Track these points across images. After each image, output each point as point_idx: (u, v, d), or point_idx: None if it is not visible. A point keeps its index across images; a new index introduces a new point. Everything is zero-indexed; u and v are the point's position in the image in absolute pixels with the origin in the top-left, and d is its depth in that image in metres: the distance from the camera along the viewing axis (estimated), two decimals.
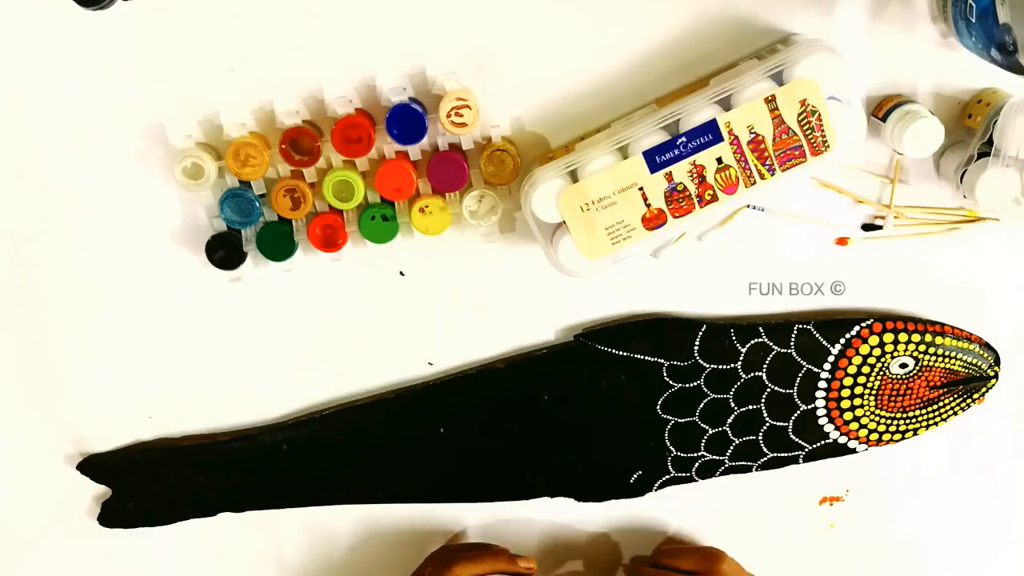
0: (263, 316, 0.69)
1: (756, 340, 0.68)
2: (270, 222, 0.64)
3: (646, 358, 0.68)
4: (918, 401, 0.70)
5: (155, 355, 0.69)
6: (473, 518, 0.74)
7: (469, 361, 0.71)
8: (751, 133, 0.59)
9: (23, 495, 0.73)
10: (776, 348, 0.68)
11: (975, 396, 0.70)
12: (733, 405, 0.70)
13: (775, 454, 0.71)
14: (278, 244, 0.64)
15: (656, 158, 0.59)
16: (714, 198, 0.60)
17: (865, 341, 0.68)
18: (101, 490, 0.73)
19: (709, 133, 0.59)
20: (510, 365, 0.70)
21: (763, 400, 0.69)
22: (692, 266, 0.68)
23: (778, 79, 0.59)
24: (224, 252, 0.64)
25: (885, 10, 0.62)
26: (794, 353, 0.68)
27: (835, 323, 0.68)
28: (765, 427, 0.70)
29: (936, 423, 0.71)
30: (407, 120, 0.60)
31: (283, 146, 0.61)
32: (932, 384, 0.69)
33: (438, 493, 0.73)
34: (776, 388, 0.69)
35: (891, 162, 0.66)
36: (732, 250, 0.68)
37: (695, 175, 0.59)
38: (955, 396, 0.70)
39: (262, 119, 0.63)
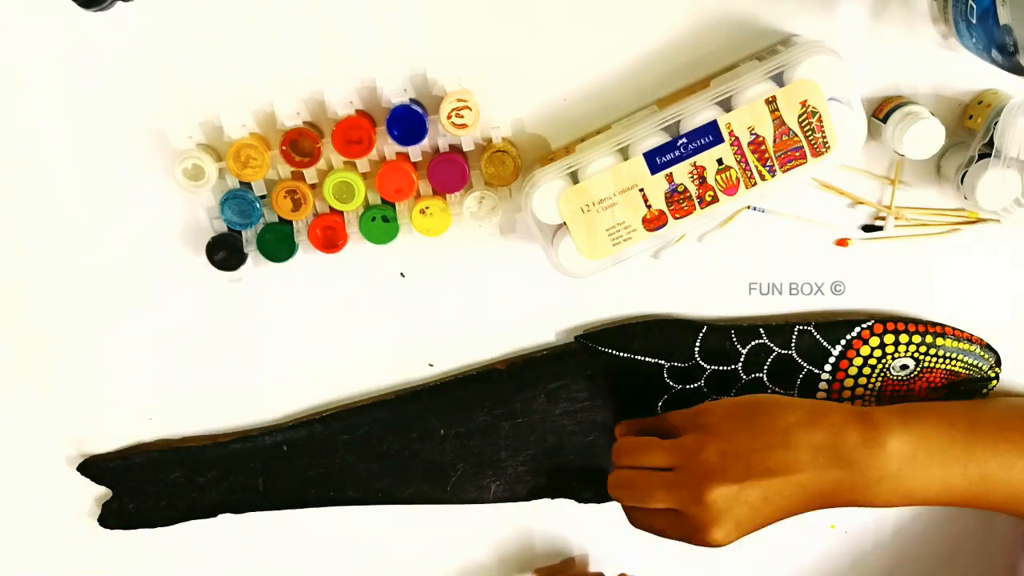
0: (263, 317, 0.69)
1: (757, 341, 0.68)
2: (271, 223, 0.64)
3: (647, 359, 0.68)
4: None
5: (155, 356, 0.69)
6: (473, 519, 0.74)
7: (469, 362, 0.71)
8: (752, 134, 0.59)
9: (23, 495, 0.73)
10: (777, 349, 0.68)
11: (976, 397, 0.70)
12: None
13: None
14: (279, 245, 0.64)
15: (657, 159, 0.59)
16: (715, 199, 0.60)
17: (866, 342, 0.68)
18: (101, 491, 0.73)
19: (710, 134, 0.59)
20: (510, 366, 0.70)
21: None
22: (693, 267, 0.68)
23: (779, 80, 0.59)
24: (225, 253, 0.64)
25: (885, 11, 0.62)
26: (795, 354, 0.68)
27: (836, 324, 0.68)
28: None
29: None
30: (408, 121, 0.60)
31: (284, 147, 0.61)
32: (933, 385, 0.69)
33: (438, 495, 0.73)
34: (777, 389, 0.69)
35: (891, 163, 0.66)
36: (732, 251, 0.68)
37: (696, 176, 0.59)
38: (956, 397, 0.70)
39: (263, 120, 0.63)
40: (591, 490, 0.73)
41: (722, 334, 0.68)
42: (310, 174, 0.63)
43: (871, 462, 0.57)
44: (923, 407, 0.61)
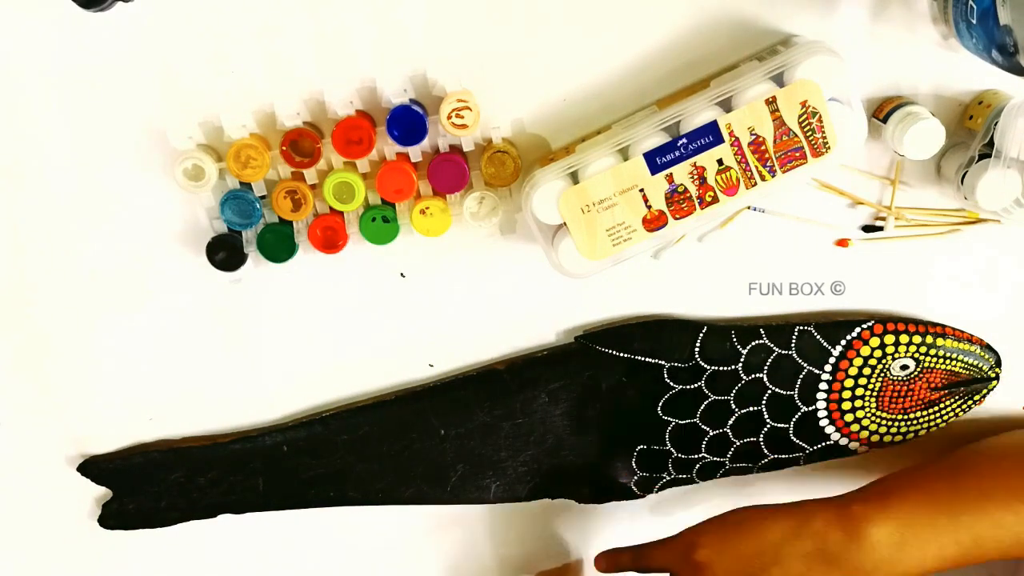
0: (263, 318, 0.69)
1: (757, 342, 0.68)
2: (271, 224, 0.64)
3: (647, 359, 0.68)
4: (919, 403, 0.70)
5: (156, 356, 0.69)
6: (474, 520, 0.74)
7: (469, 363, 0.71)
8: (752, 134, 0.59)
9: (23, 496, 0.73)
10: (777, 350, 0.68)
11: (976, 398, 0.70)
12: (734, 407, 0.70)
13: (776, 456, 0.71)
14: (279, 246, 0.64)
15: (657, 159, 0.59)
16: (715, 199, 0.60)
17: (866, 343, 0.68)
18: (101, 491, 0.73)
19: (710, 134, 0.59)
20: (510, 367, 0.70)
21: (764, 402, 0.69)
22: (693, 267, 0.68)
23: (779, 80, 0.59)
24: (225, 254, 0.64)
25: (886, 11, 0.62)
26: (795, 355, 0.68)
27: (836, 325, 0.68)
28: (766, 429, 0.70)
29: (937, 425, 0.71)
30: (408, 121, 0.60)
31: (284, 148, 0.61)
32: (933, 386, 0.69)
33: (438, 495, 0.73)
34: (777, 390, 0.69)
35: (892, 163, 0.66)
36: (732, 251, 0.68)
37: (696, 176, 0.59)
38: (956, 398, 0.70)
39: (263, 121, 0.63)
40: (591, 490, 0.73)
41: (722, 334, 0.68)
42: (310, 174, 0.63)
43: (860, 556, 0.59)
44: (902, 484, 0.62)
